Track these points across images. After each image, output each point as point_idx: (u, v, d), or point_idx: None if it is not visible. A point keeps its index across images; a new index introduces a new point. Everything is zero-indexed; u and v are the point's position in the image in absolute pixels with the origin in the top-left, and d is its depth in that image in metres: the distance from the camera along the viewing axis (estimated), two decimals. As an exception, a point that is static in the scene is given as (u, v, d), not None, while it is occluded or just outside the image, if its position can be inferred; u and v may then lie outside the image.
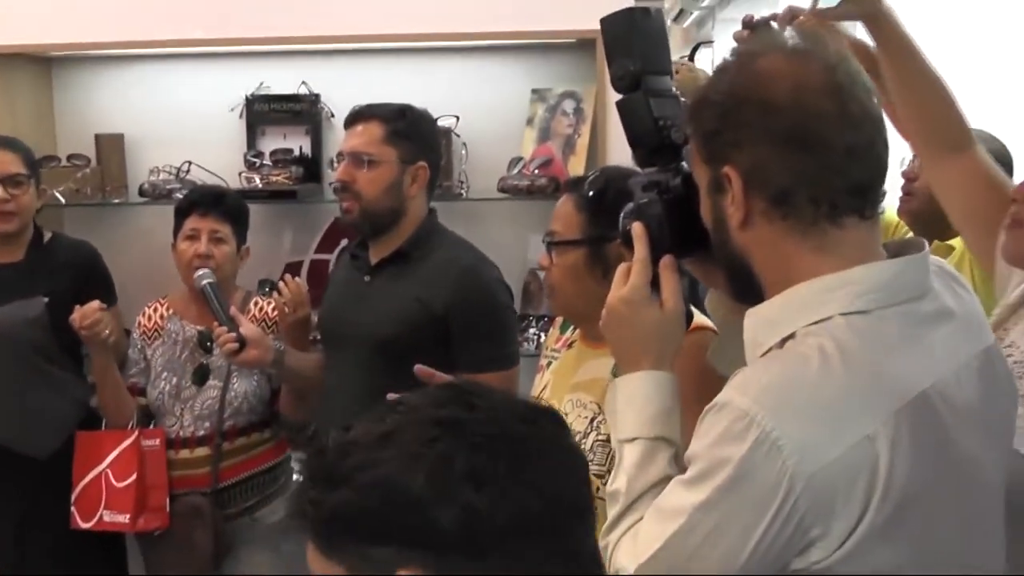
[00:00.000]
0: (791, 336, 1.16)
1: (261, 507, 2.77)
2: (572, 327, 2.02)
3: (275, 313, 2.73)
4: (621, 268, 1.36)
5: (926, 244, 1.24)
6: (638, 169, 1.47)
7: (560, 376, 1.96)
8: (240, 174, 3.12)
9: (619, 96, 1.41)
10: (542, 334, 2.92)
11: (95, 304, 2.58)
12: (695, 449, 1.15)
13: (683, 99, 1.41)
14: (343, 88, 3.10)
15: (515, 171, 3.02)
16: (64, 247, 2.89)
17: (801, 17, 1.57)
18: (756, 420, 1.08)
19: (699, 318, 1.58)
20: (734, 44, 1.41)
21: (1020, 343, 1.72)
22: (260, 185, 3.09)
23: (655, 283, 1.34)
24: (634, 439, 1.29)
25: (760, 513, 1.08)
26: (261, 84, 3.19)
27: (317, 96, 3.18)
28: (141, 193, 3.13)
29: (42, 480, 2.74)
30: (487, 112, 3.11)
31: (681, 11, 5.32)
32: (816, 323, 1.15)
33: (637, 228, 1.34)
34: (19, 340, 2.67)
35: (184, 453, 2.72)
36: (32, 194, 2.77)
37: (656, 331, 1.33)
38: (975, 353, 1.23)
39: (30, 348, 2.69)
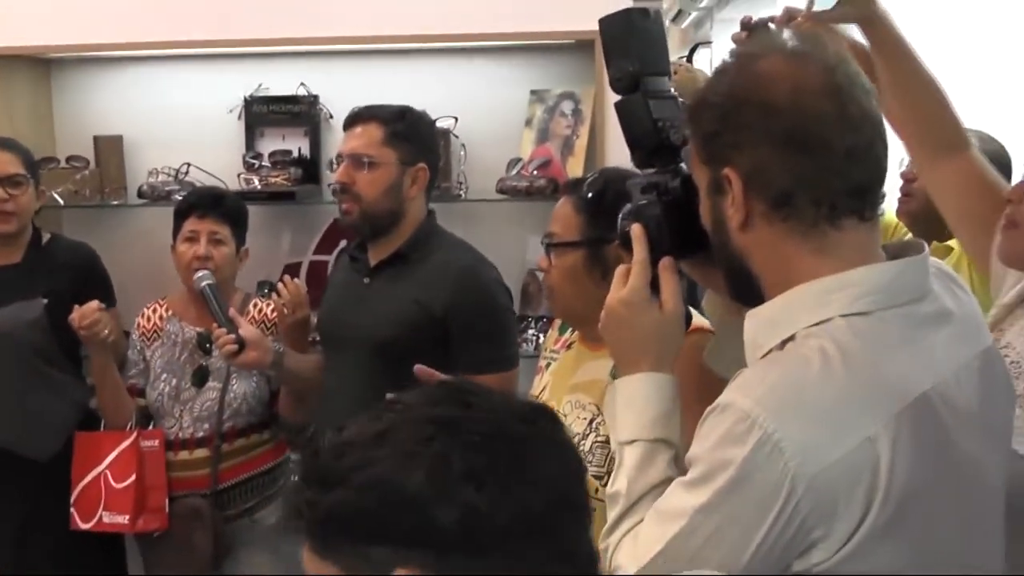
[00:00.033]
0: (791, 338, 1.16)
1: (260, 508, 2.77)
2: (571, 328, 2.02)
3: (274, 314, 2.73)
4: (620, 270, 1.36)
5: (926, 246, 1.24)
6: (637, 171, 1.47)
7: (559, 377, 1.96)
8: (239, 175, 3.12)
9: (618, 97, 1.41)
10: (541, 335, 2.92)
11: (94, 304, 2.58)
12: (696, 451, 1.15)
13: (681, 100, 1.42)
14: (342, 89, 3.10)
15: (514, 172, 3.02)
16: (63, 249, 2.89)
17: (798, 19, 1.58)
18: (758, 422, 1.08)
19: (698, 319, 1.58)
20: (732, 45, 1.41)
21: (1016, 343, 1.72)
22: (259, 186, 3.09)
23: (654, 285, 1.34)
24: (634, 441, 1.29)
25: (762, 515, 1.08)
26: (260, 85, 3.19)
27: (316, 97, 3.18)
28: (140, 195, 3.12)
29: (42, 482, 2.74)
30: (486, 113, 3.11)
31: (679, 12, 5.32)
32: (816, 325, 1.15)
33: (636, 230, 1.34)
34: (19, 342, 2.66)
35: (183, 454, 2.72)
36: (31, 195, 2.77)
37: (655, 333, 1.32)
38: (974, 354, 1.23)
39: (30, 350, 2.68)
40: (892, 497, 1.08)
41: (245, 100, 3.20)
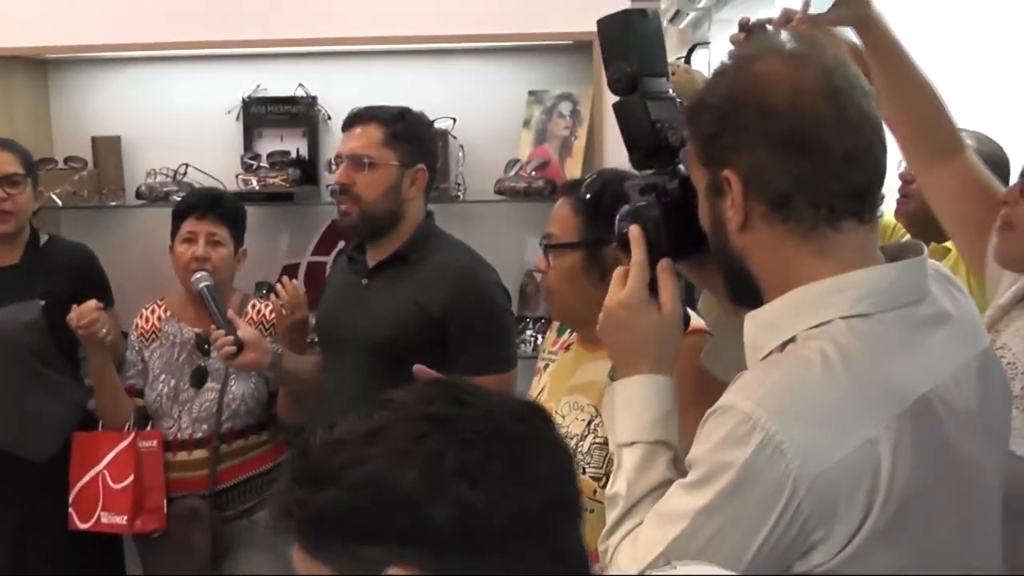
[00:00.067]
0: (792, 340, 1.16)
1: (259, 509, 2.76)
2: (569, 330, 2.02)
3: (272, 316, 2.73)
4: (618, 271, 1.36)
5: (925, 248, 1.24)
6: (635, 172, 1.47)
7: (557, 378, 1.96)
8: (237, 176, 3.12)
9: (616, 98, 1.41)
10: (539, 336, 2.92)
11: (92, 303, 2.58)
12: (697, 453, 1.15)
13: (679, 101, 1.42)
14: (340, 90, 3.10)
15: (512, 173, 3.02)
16: (61, 249, 2.89)
17: (795, 21, 1.58)
18: (759, 424, 1.08)
19: (696, 321, 1.57)
20: (730, 46, 1.41)
21: (1012, 344, 1.73)
22: (257, 187, 3.09)
23: (653, 286, 1.33)
24: (633, 443, 1.28)
25: (763, 517, 1.08)
26: (258, 86, 3.19)
27: (314, 98, 3.18)
28: (138, 195, 3.12)
29: (40, 483, 2.74)
30: (484, 114, 3.11)
31: (677, 12, 5.31)
32: (817, 327, 1.15)
33: (634, 231, 1.34)
34: (17, 343, 2.66)
35: (182, 455, 2.71)
36: (29, 195, 2.77)
37: (654, 334, 1.32)
38: (973, 356, 1.23)
39: (28, 351, 2.68)
40: (893, 499, 1.08)
41: (243, 101, 3.20)
